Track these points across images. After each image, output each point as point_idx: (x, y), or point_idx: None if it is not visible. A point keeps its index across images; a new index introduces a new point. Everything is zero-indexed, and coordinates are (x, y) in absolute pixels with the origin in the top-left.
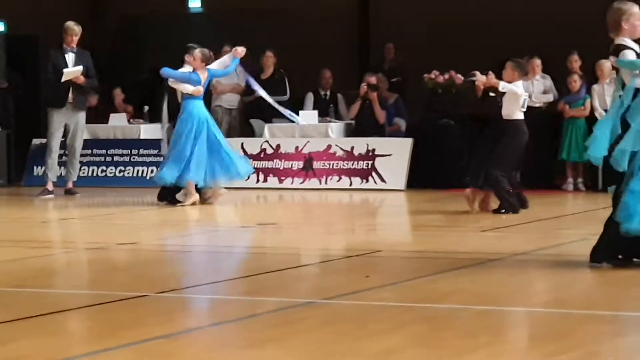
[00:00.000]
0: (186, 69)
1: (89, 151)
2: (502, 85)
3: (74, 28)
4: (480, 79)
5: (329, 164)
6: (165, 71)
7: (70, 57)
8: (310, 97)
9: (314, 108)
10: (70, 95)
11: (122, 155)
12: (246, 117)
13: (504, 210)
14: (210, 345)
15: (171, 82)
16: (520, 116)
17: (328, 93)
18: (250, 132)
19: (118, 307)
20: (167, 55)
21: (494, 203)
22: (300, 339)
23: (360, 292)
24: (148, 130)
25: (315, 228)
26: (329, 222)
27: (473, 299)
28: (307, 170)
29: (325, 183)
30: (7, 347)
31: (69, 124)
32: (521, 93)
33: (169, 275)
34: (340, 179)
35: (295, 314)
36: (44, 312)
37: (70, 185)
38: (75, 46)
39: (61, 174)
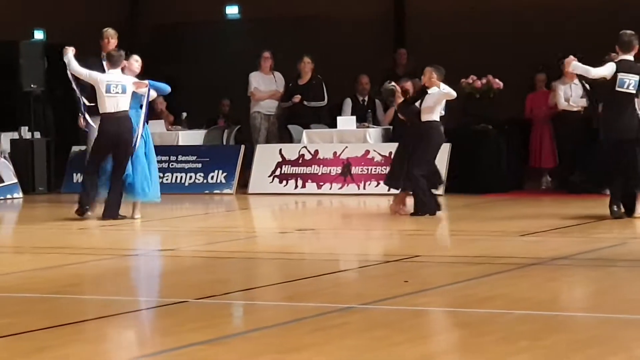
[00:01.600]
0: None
1: None
2: (443, 86)
3: (108, 32)
4: (398, 87)
5: (367, 169)
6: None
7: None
8: (348, 103)
9: (352, 113)
10: None
11: (160, 161)
12: (284, 123)
13: (420, 213)
14: (249, 351)
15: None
16: (437, 118)
17: (366, 99)
18: (288, 138)
19: (157, 314)
20: (205, 63)
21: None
22: (340, 344)
23: (399, 297)
24: (186, 137)
25: (354, 233)
26: (367, 228)
27: (512, 304)
28: (346, 175)
29: (364, 188)
30: (46, 353)
31: None
32: (454, 95)
33: (208, 281)
34: (378, 184)
35: (334, 319)
36: (83, 319)
37: None
38: None
39: None
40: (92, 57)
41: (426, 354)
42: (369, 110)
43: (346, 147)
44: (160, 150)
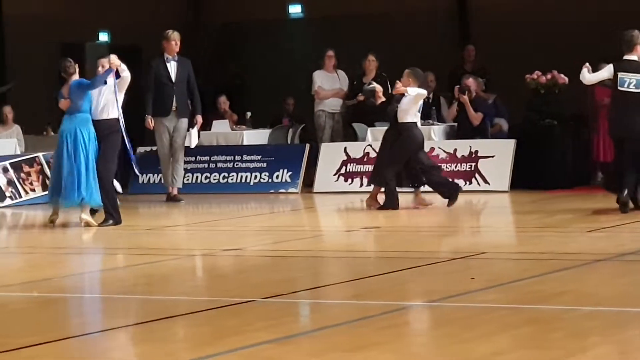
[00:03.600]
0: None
1: (193, 158)
2: (410, 91)
3: (174, 34)
4: (378, 87)
5: None
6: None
7: (172, 66)
8: None
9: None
10: (174, 103)
11: (225, 161)
12: (349, 121)
13: (385, 207)
14: (316, 350)
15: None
16: (415, 119)
17: (431, 96)
18: (353, 136)
19: (224, 313)
20: (269, 62)
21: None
22: (407, 341)
23: (466, 294)
24: (251, 136)
25: (420, 231)
26: (433, 225)
27: (581, 300)
28: None
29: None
30: (116, 352)
31: (173, 131)
32: (424, 93)
33: (275, 281)
34: None
35: (402, 317)
36: (151, 319)
37: (175, 191)
38: (176, 54)
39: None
40: (155, 59)
41: (495, 350)
42: (433, 108)
43: None
44: (224, 150)
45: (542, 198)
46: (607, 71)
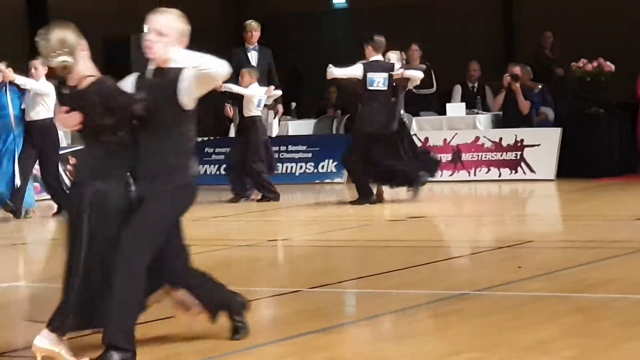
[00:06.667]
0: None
1: None
2: (226, 86)
3: (251, 25)
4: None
5: (478, 156)
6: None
7: (253, 55)
8: (457, 90)
9: (462, 100)
10: None
11: None
12: None
13: (267, 198)
14: (364, 339)
15: None
16: (257, 113)
17: (475, 85)
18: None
19: (272, 303)
20: (313, 53)
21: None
22: (456, 330)
23: (513, 283)
24: (296, 127)
25: (465, 220)
26: (478, 214)
27: (628, 288)
28: (456, 162)
29: (474, 175)
30: (163, 344)
31: None
32: (254, 94)
33: (321, 271)
34: (489, 170)
35: (449, 306)
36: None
37: None
38: (256, 43)
39: None
40: (236, 49)
41: (542, 339)
42: (479, 97)
43: (456, 133)
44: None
45: (588, 186)
46: (357, 70)
